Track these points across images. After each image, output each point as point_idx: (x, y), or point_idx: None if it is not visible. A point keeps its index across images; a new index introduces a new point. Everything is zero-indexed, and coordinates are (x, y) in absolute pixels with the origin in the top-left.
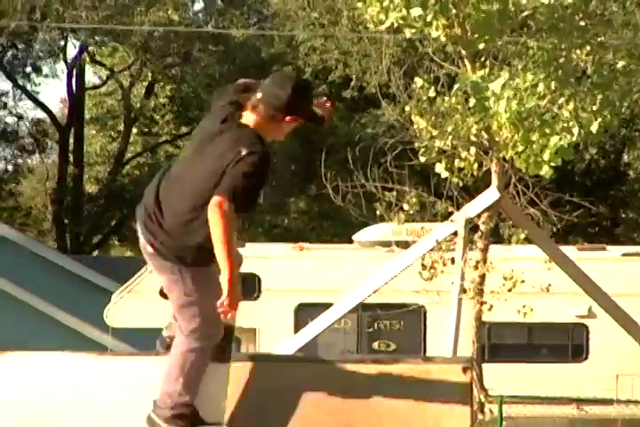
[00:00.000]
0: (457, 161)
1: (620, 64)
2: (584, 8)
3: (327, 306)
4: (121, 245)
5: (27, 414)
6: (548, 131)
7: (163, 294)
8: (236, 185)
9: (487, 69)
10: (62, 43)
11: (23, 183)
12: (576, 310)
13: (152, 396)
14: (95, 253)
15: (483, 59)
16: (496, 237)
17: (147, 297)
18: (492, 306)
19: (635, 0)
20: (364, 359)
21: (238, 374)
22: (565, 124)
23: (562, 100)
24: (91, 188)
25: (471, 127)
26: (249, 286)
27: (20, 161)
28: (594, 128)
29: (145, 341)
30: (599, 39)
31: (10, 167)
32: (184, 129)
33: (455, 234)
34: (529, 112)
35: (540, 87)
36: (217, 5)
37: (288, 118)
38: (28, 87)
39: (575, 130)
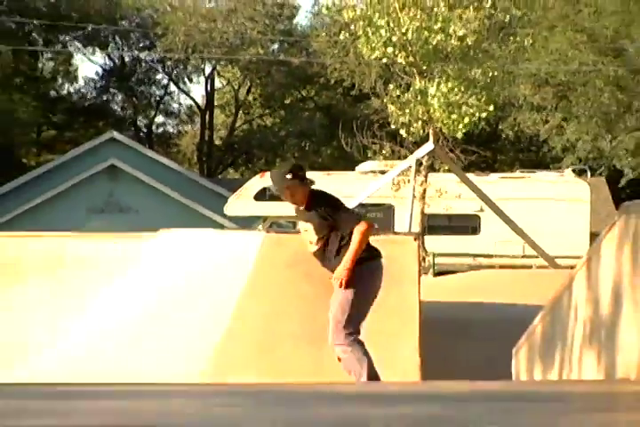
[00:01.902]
0: (412, 128)
1: (497, 75)
2: (478, 47)
3: None
4: (234, 173)
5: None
6: (460, 113)
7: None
8: (343, 215)
9: (426, 80)
10: (202, 64)
11: (182, 139)
12: (473, 207)
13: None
14: (219, 176)
15: (425, 74)
16: (432, 169)
17: (247, 199)
18: (429, 205)
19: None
20: None
21: None
22: (470, 110)
23: (466, 97)
24: (217, 141)
25: (419, 111)
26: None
27: (180, 127)
28: (483, 114)
29: (246, 223)
30: (487, 64)
31: (175, 131)
32: (267, 111)
33: (410, 167)
34: (449, 103)
35: (455, 90)
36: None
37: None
38: (183, 87)
39: (476, 114)
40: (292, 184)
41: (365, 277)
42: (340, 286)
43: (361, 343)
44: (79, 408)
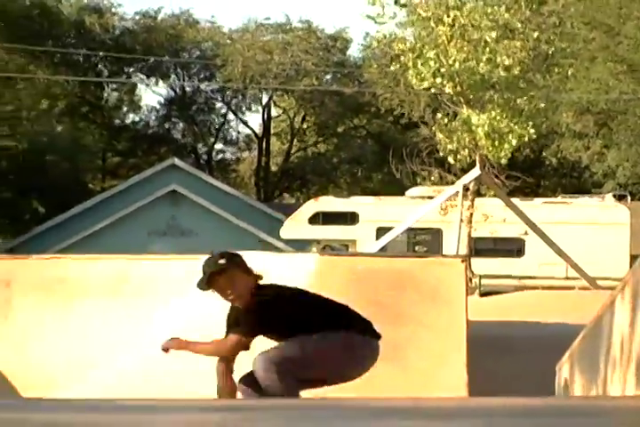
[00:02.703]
0: (459, 155)
1: (542, 105)
2: (523, 77)
3: (391, 228)
4: (289, 197)
5: None
6: (503, 141)
7: None
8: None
9: (473, 109)
10: (259, 94)
11: (240, 166)
12: (518, 231)
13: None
14: (275, 201)
15: (471, 103)
16: (478, 194)
17: (301, 223)
18: (475, 229)
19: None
20: (410, 255)
21: None
22: (511, 138)
23: (511, 125)
24: (273, 167)
25: (465, 139)
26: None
27: (238, 154)
28: (525, 138)
29: (300, 246)
30: (532, 93)
31: (233, 157)
32: (321, 138)
33: (457, 193)
34: (495, 131)
35: (500, 119)
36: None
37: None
38: (241, 116)
39: (514, 141)
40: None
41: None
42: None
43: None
44: (144, 421)
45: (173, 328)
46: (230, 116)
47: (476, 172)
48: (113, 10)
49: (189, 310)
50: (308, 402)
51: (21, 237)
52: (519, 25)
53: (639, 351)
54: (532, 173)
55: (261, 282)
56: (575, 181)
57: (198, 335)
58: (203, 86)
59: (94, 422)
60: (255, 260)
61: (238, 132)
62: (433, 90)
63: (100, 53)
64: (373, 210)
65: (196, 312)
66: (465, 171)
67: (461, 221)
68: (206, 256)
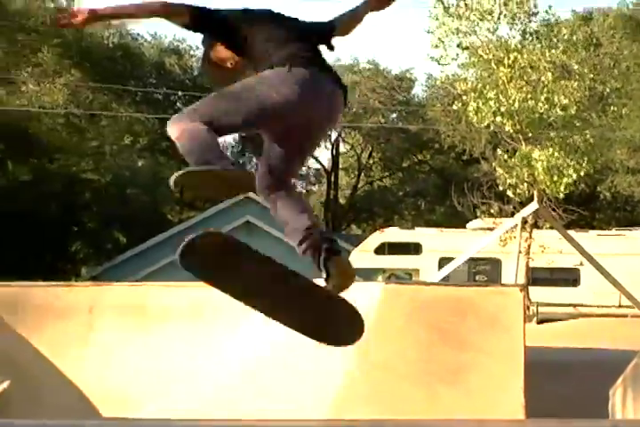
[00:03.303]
0: (518, 190)
1: (597, 143)
2: (579, 116)
3: (452, 259)
4: (357, 229)
5: None
6: (561, 176)
7: None
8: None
9: (531, 146)
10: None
11: (309, 198)
12: (573, 261)
13: None
14: (343, 232)
15: (530, 140)
16: (536, 226)
17: (368, 253)
18: (533, 259)
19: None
20: (470, 284)
21: None
22: (569, 173)
23: (567, 161)
24: (341, 200)
25: (524, 174)
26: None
27: (308, 188)
28: (582, 173)
29: (367, 275)
30: (587, 131)
31: (304, 190)
32: (386, 173)
33: (516, 225)
34: (552, 167)
35: (557, 155)
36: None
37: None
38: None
39: (575, 175)
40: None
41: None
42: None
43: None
44: None
45: (245, 349)
46: None
47: (534, 205)
48: (191, 52)
49: (261, 333)
50: (374, 423)
51: (104, 265)
52: (576, 66)
53: None
54: (587, 207)
55: None
56: (628, 215)
57: (270, 354)
58: None
59: None
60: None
61: (309, 167)
62: (493, 128)
63: (179, 92)
64: (436, 241)
65: (268, 335)
66: (523, 204)
67: (520, 251)
68: None
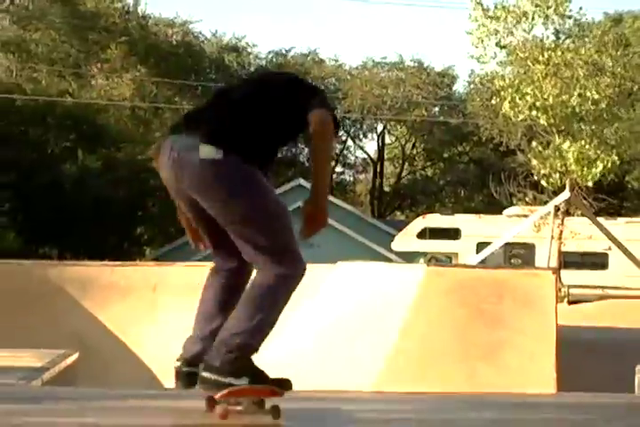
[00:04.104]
0: (551, 179)
1: (626, 135)
2: (609, 110)
3: (490, 243)
4: (400, 215)
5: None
6: (591, 166)
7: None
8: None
9: (564, 138)
10: (375, 124)
11: (356, 186)
12: (603, 246)
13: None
14: (387, 218)
15: (563, 133)
16: (568, 213)
17: (410, 237)
18: (565, 244)
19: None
20: (506, 267)
21: None
22: (596, 163)
23: (598, 152)
24: (386, 188)
25: (557, 164)
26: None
27: (355, 176)
28: (609, 164)
29: (410, 258)
30: (617, 125)
31: (351, 179)
32: (429, 163)
33: (549, 212)
34: (583, 158)
35: (588, 147)
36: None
37: None
38: (359, 143)
39: (601, 167)
40: None
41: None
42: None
43: None
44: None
45: (302, 325)
46: (349, 142)
47: (566, 194)
48: (249, 49)
49: (314, 310)
50: (415, 395)
51: (166, 247)
52: (610, 63)
53: None
54: (616, 196)
55: None
56: None
57: (322, 330)
58: None
59: None
60: (371, 269)
61: (356, 157)
62: (528, 121)
63: None
64: (474, 227)
65: (321, 312)
66: (556, 193)
67: (552, 237)
68: (330, 265)
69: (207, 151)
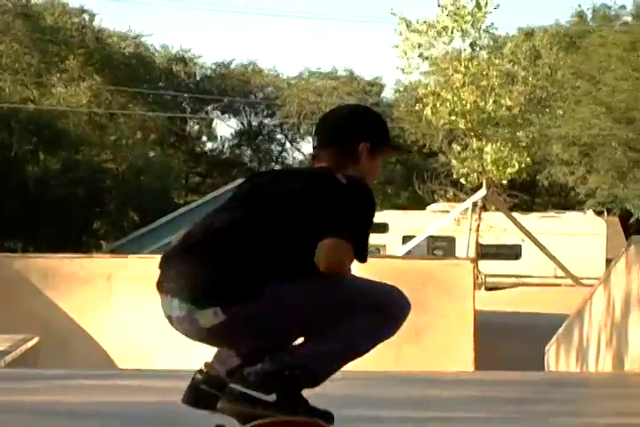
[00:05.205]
0: (469, 178)
1: (537, 138)
2: (521, 116)
3: (414, 236)
4: None
5: None
6: (506, 166)
7: None
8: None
9: (481, 141)
10: (311, 128)
11: None
12: (516, 239)
13: None
14: None
15: (480, 137)
16: (485, 209)
17: None
18: (482, 237)
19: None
20: (429, 258)
21: None
22: (510, 163)
23: (511, 153)
24: None
25: (475, 165)
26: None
27: None
28: (522, 165)
29: None
30: (528, 129)
31: None
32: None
33: (468, 208)
34: (498, 159)
35: (503, 149)
36: None
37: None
38: (296, 145)
39: (515, 167)
40: None
41: None
42: None
43: None
44: None
45: None
46: (287, 145)
47: (483, 191)
48: (195, 60)
49: None
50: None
51: (120, 240)
52: (522, 73)
53: (611, 335)
54: (528, 193)
55: None
56: (563, 200)
57: None
58: (266, 121)
59: (178, 386)
60: None
61: (293, 158)
62: (449, 125)
63: (185, 95)
64: (400, 221)
65: None
66: (474, 190)
67: (471, 230)
68: None
69: (206, 320)
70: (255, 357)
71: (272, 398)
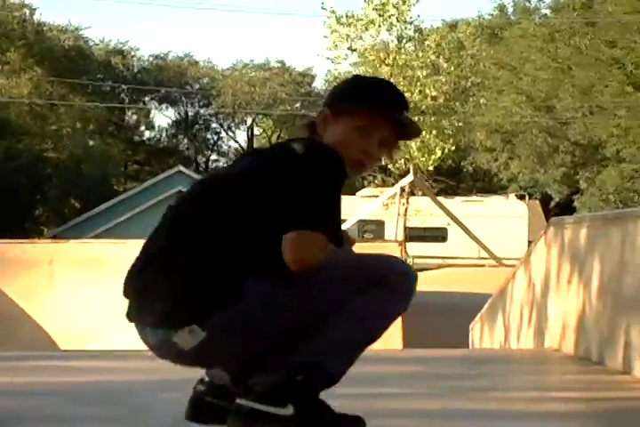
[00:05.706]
0: (397, 164)
1: (461, 126)
2: (446, 105)
3: (345, 220)
4: None
5: None
6: (431, 153)
7: None
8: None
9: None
10: (245, 117)
11: None
12: (442, 222)
13: None
14: None
15: None
16: (412, 193)
17: None
18: (410, 220)
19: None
20: (359, 240)
21: None
22: (435, 150)
23: (437, 141)
24: None
25: (402, 151)
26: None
27: (229, 163)
28: (447, 151)
29: None
30: (453, 117)
31: (225, 165)
32: None
33: (396, 193)
34: (424, 146)
35: (428, 137)
36: (305, 104)
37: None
38: (232, 134)
39: (439, 153)
40: None
41: None
42: None
43: None
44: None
45: None
46: (223, 134)
47: (410, 177)
48: (133, 53)
49: None
50: None
51: (61, 227)
52: (445, 65)
53: (532, 313)
54: (453, 178)
55: None
56: (487, 185)
57: None
58: (202, 111)
59: (118, 367)
60: None
61: (229, 147)
62: None
63: (123, 86)
64: (351, 204)
65: None
66: (402, 176)
67: (399, 214)
68: None
69: (184, 341)
70: (256, 366)
71: (289, 411)
